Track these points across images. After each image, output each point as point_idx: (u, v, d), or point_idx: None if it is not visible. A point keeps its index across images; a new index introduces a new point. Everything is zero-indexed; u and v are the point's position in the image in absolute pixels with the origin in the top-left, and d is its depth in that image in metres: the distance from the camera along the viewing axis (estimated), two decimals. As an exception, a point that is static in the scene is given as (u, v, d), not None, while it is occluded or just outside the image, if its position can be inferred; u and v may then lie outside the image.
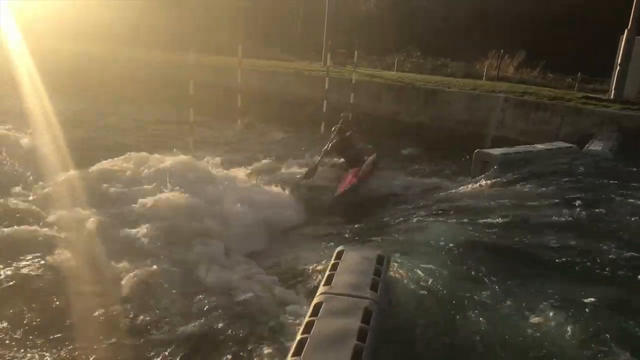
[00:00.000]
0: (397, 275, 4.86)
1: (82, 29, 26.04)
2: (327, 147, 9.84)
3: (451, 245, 5.61)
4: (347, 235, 7.09)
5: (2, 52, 17.38)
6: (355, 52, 15.79)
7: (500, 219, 6.35)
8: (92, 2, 27.92)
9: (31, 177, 8.34)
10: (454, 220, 6.53)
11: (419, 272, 4.96)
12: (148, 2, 28.07)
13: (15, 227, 6.25)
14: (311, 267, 6.07)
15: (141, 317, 4.80)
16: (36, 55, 16.85)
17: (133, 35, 25.35)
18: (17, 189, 7.79)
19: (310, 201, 8.46)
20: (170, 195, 7.14)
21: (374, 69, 21.64)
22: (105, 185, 7.73)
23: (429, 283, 4.79)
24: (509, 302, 4.56)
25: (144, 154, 9.00)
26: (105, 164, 8.56)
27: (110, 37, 25.15)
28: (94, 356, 4.27)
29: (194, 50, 12.49)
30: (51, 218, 6.63)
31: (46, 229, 6.33)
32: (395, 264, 5.02)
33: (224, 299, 5.13)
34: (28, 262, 5.60)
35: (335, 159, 10.10)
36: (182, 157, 8.56)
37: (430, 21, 27.82)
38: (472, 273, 5.04)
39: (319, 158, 9.76)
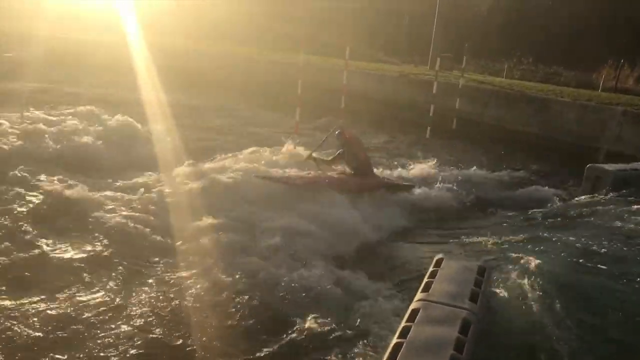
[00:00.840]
0: (497, 288, 4.78)
1: (197, 27, 27.36)
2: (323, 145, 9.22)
3: (555, 261, 5.41)
4: (445, 242, 7.01)
5: (124, 46, 18.59)
6: (464, 57, 15.51)
7: (608, 241, 6.01)
8: (208, 2, 29.31)
9: (149, 169, 8.92)
10: (560, 236, 6.27)
11: (520, 286, 4.84)
12: (261, 2, 29.09)
13: (130, 223, 6.63)
14: (407, 272, 6.08)
15: (246, 313, 5.00)
16: (153, 51, 17.94)
17: (245, 35, 26.34)
18: (134, 179, 8.38)
19: (409, 205, 8.41)
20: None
21: (481, 74, 21.09)
22: (213, 183, 8.06)
23: (530, 298, 4.66)
24: (613, 322, 4.36)
25: (253, 150, 9.41)
26: (217, 161, 9.01)
27: (224, 36, 26.29)
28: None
29: (304, 51, 12.79)
30: (165, 216, 7.06)
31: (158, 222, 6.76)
32: (495, 276, 4.93)
33: (318, 297, 5.25)
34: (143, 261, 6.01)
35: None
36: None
37: (543, 27, 26.65)
38: (576, 294, 4.84)
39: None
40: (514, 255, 5.53)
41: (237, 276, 5.53)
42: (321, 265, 5.84)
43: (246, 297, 5.18)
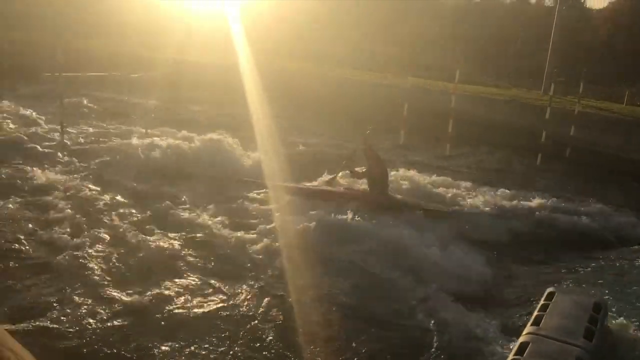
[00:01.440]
0: (615, 327, 4.45)
1: (301, 50, 27.99)
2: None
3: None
4: (556, 274, 6.65)
5: (236, 68, 19.38)
6: (581, 82, 14.77)
7: None
8: (312, 25, 29.97)
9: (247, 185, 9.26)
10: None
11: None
12: (367, 26, 29.41)
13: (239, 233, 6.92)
14: (514, 303, 5.83)
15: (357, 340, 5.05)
16: (261, 72, 18.57)
17: (348, 57, 26.69)
18: (243, 194, 8.70)
19: (516, 232, 8.08)
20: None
21: (598, 100, 19.97)
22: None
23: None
24: None
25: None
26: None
27: (330, 59, 26.76)
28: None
29: (410, 74, 12.74)
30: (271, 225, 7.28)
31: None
32: (614, 314, 4.60)
33: (421, 324, 5.17)
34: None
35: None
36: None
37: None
38: None
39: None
40: (634, 292, 5.14)
41: (349, 299, 5.62)
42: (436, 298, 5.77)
43: (358, 322, 5.22)
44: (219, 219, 7.50)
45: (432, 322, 5.23)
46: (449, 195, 9.47)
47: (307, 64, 24.29)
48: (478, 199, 9.34)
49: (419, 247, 6.77)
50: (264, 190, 8.98)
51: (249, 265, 6.28)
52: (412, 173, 10.03)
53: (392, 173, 9.64)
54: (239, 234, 6.97)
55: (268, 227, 7.27)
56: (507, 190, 10.01)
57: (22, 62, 18.47)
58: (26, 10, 27.20)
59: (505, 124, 16.14)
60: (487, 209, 8.89)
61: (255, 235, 6.98)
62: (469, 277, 6.35)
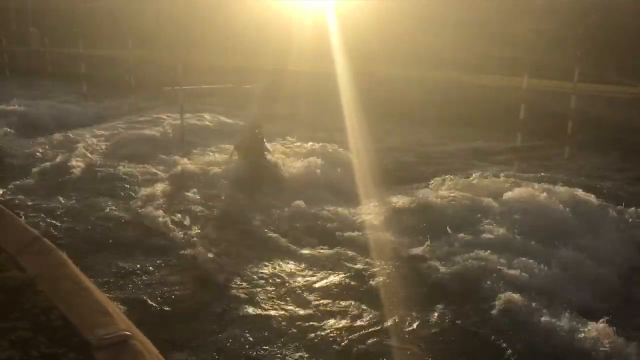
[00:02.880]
0: None
1: (398, 52, 27.53)
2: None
3: None
4: None
5: (333, 75, 19.51)
6: None
7: None
8: (412, 26, 29.43)
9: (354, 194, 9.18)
10: None
11: None
12: (477, 25, 28.48)
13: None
14: None
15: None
16: (363, 77, 18.52)
17: (461, 59, 25.96)
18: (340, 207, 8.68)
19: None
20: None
21: None
22: (434, 211, 8.01)
23: None
24: None
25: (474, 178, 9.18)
26: (433, 188, 8.96)
27: (438, 62, 26.19)
28: None
29: (527, 74, 12.18)
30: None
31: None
32: None
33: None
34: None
35: None
36: (523, 189, 8.40)
37: None
38: None
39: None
40: None
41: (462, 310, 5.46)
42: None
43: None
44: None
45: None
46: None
47: (412, 68, 23.94)
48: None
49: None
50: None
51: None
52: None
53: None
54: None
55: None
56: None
57: (146, 77, 19.79)
58: (149, 29, 29.21)
59: (630, 123, 14.95)
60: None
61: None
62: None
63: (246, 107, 17.56)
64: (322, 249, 7.05)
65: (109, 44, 28.30)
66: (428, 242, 6.96)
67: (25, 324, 3.27)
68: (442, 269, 6.29)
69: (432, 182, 9.53)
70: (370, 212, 8.14)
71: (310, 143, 12.00)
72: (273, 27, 26.86)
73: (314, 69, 21.47)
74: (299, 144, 12.14)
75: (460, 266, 6.28)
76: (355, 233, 7.45)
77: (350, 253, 6.83)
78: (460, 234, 7.12)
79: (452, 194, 8.48)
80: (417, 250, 6.81)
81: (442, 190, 8.94)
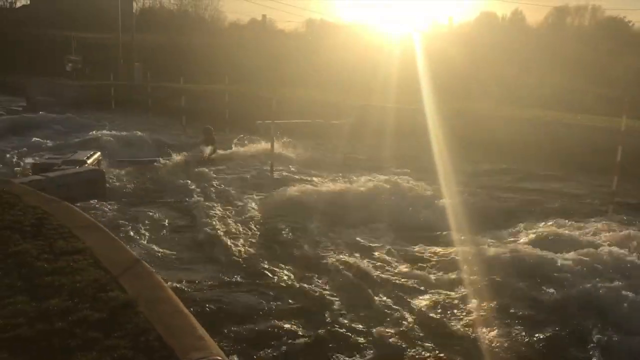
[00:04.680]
0: None
1: (496, 91, 26.94)
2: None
3: None
4: None
5: (422, 112, 19.40)
6: None
7: None
8: (512, 63, 28.83)
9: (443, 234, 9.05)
10: None
11: None
12: (574, 64, 27.58)
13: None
14: None
15: None
16: (453, 117, 18.30)
17: (552, 98, 25.13)
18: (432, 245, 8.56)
19: None
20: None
21: None
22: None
23: None
24: None
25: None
26: (522, 235, 8.67)
27: (530, 99, 25.45)
28: None
29: (625, 114, 11.63)
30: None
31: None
32: None
33: None
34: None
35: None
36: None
37: None
38: None
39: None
40: None
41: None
42: None
43: None
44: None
45: None
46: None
47: (504, 106, 23.42)
48: None
49: None
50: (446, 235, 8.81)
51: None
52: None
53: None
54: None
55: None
56: None
57: (241, 111, 20.64)
58: (246, 66, 30.52)
59: None
60: None
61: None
62: None
63: (333, 141, 17.89)
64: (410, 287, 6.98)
65: (207, 79, 29.85)
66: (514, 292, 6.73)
67: (126, 342, 3.49)
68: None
69: (519, 226, 9.23)
70: (458, 256, 7.93)
71: (396, 178, 12.00)
72: (361, 62, 27.33)
73: (402, 104, 21.51)
74: (385, 178, 12.16)
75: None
76: (443, 275, 7.33)
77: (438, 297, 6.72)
78: (551, 289, 6.78)
79: (541, 242, 8.15)
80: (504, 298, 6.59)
81: (530, 236, 8.62)
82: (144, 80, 29.71)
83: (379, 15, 66.64)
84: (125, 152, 15.88)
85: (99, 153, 13.16)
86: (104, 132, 18.12)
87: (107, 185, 11.33)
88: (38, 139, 17.59)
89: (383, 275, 7.24)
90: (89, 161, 12.03)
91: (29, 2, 64.94)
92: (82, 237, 5.35)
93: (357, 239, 8.71)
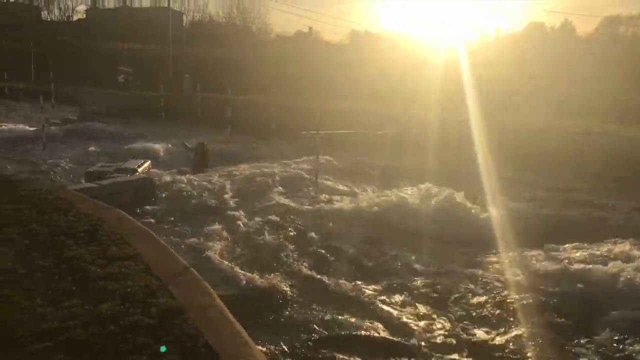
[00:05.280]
0: None
1: (545, 101, 26.27)
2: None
3: None
4: None
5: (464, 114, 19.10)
6: None
7: None
8: (561, 75, 28.10)
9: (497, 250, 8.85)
10: None
11: None
12: (626, 76, 26.72)
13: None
14: None
15: None
16: (492, 123, 17.92)
17: (605, 110, 24.39)
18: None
19: None
20: None
21: None
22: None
23: None
24: None
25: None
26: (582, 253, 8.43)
27: (582, 112, 24.76)
28: None
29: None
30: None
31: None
32: None
33: None
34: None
35: None
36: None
37: None
38: None
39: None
40: None
41: None
42: None
43: None
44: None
45: None
46: None
47: (554, 118, 22.86)
48: None
49: None
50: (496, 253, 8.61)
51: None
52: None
53: None
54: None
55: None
56: None
57: (286, 121, 20.85)
58: (292, 77, 30.83)
59: None
60: None
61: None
62: None
63: (377, 151, 17.81)
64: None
65: (254, 90, 30.30)
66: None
67: (174, 348, 3.56)
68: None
69: (575, 243, 8.94)
70: (506, 274, 7.74)
71: (441, 190, 11.84)
72: (405, 73, 27.22)
73: (447, 115, 21.26)
74: (429, 189, 12.02)
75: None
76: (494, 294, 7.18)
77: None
78: (614, 312, 6.50)
79: (601, 260, 7.90)
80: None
81: (587, 254, 8.34)
82: (193, 91, 30.37)
83: (424, 26, 66.24)
84: (173, 162, 16.25)
85: (149, 162, 13.52)
86: (153, 141, 18.58)
87: (157, 192, 11.62)
88: (91, 148, 18.21)
89: (426, 300, 7.06)
90: (139, 169, 12.37)
91: (84, 16, 67.50)
92: (133, 244, 5.50)
93: (399, 255, 8.62)
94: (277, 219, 10.17)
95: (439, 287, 7.38)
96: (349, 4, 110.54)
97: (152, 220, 9.78)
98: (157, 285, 4.53)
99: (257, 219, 10.12)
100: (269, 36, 61.59)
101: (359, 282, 7.35)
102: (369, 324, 6.18)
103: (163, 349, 3.51)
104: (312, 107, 19.78)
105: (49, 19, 66.40)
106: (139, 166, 12.62)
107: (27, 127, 23.08)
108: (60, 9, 67.72)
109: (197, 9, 69.21)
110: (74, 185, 10.68)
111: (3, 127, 23.27)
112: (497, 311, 6.68)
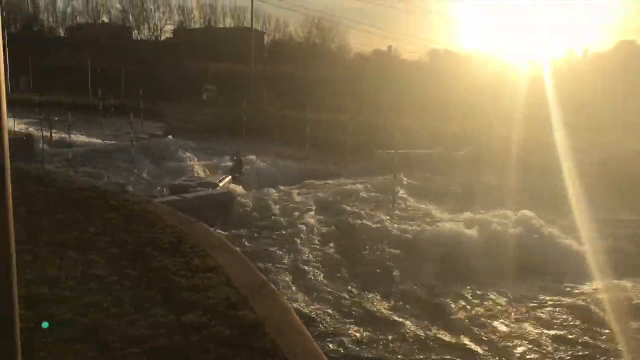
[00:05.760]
0: None
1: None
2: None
3: None
4: None
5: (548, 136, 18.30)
6: None
7: None
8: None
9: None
10: None
11: None
12: None
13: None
14: None
15: None
16: (577, 148, 17.03)
17: None
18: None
19: None
20: None
21: None
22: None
23: None
24: None
25: None
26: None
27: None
28: None
29: None
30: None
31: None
32: None
33: None
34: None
35: None
36: None
37: None
38: None
39: None
40: None
41: None
42: None
43: None
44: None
45: None
46: None
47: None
48: None
49: None
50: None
51: None
52: None
53: None
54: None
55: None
56: None
57: (362, 140, 20.86)
58: (371, 95, 30.92)
59: None
60: None
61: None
62: None
63: (456, 172, 17.40)
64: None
65: (332, 108, 30.59)
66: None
67: (254, 361, 3.62)
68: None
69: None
70: (597, 310, 7.33)
71: (524, 215, 11.42)
72: (485, 92, 26.60)
73: (529, 136, 20.52)
74: (511, 214, 11.63)
75: None
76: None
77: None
78: None
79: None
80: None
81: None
82: (272, 109, 31.03)
83: (506, 45, 64.57)
84: (255, 177, 16.65)
85: (230, 177, 13.92)
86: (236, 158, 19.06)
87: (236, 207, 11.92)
88: (175, 162, 18.99)
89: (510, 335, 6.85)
90: (221, 184, 12.75)
91: (172, 35, 70.91)
92: (215, 257, 5.65)
93: (477, 285, 8.38)
94: (354, 242, 10.09)
95: (524, 324, 7.11)
96: (428, 22, 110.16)
97: (233, 234, 10.02)
98: (237, 298, 4.62)
99: (330, 240, 10.11)
100: (348, 55, 62.27)
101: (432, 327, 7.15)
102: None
103: None
104: (389, 125, 19.68)
105: (139, 39, 70.34)
106: (220, 181, 13.02)
107: (117, 142, 24.34)
108: (150, 29, 71.68)
109: (278, 28, 71.29)
110: (160, 198, 11.15)
111: (97, 140, 24.73)
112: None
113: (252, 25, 44.88)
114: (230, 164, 17.09)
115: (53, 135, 21.62)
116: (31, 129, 21.71)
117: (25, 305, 3.97)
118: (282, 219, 11.68)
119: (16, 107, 24.87)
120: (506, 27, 75.53)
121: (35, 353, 3.56)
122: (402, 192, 14.31)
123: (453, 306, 7.70)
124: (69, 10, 70.50)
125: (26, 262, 5.14)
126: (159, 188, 14.45)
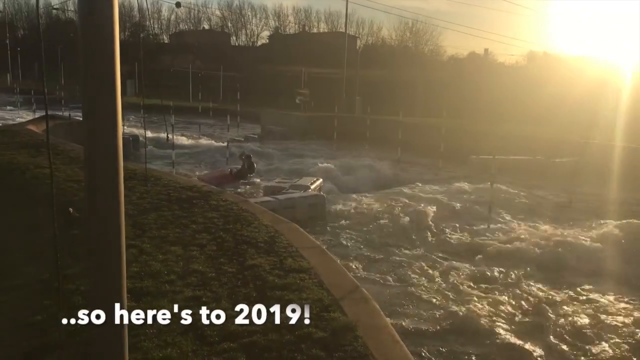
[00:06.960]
0: None
1: None
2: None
3: None
4: None
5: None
6: None
7: None
8: None
9: None
10: None
11: None
12: None
13: None
14: None
15: None
16: None
17: None
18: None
19: None
20: None
21: None
22: None
23: None
24: None
25: None
26: None
27: None
28: None
29: None
30: None
31: None
32: None
33: None
34: None
35: None
36: None
37: None
38: None
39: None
40: None
41: None
42: None
43: None
44: None
45: None
46: None
47: None
48: None
49: None
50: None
51: None
52: None
53: None
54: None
55: None
56: None
57: (455, 145, 20.37)
58: (462, 98, 30.23)
59: None
60: None
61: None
62: None
63: (555, 181, 16.54)
64: None
65: (425, 112, 30.22)
66: None
67: (345, 365, 3.65)
68: None
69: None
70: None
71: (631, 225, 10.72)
72: (586, 96, 25.18)
73: (634, 143, 19.22)
74: (616, 224, 10.94)
75: None
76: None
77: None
78: None
79: None
80: None
81: None
82: (364, 112, 31.02)
83: (609, 48, 60.47)
84: (345, 181, 16.73)
85: (321, 180, 14.08)
86: (327, 162, 19.21)
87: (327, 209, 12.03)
88: (268, 163, 19.55)
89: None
90: (312, 187, 12.94)
91: (267, 41, 72.88)
92: (307, 257, 5.74)
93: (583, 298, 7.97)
94: (450, 256, 9.78)
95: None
96: (526, 23, 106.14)
97: (323, 236, 10.13)
98: (329, 299, 4.67)
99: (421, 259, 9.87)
100: (441, 58, 61.24)
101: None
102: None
103: None
104: (483, 130, 19.15)
105: (237, 44, 72.89)
106: (312, 183, 13.21)
107: (214, 143, 25.33)
108: (246, 35, 74.10)
109: (371, 32, 71.47)
110: (255, 198, 11.47)
111: (196, 142, 25.89)
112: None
113: (345, 29, 45.12)
114: (239, 166, 16.80)
115: (158, 135, 22.81)
116: (135, 131, 22.99)
117: (132, 297, 4.23)
118: (369, 225, 11.52)
119: (123, 109, 26.46)
120: (610, 28, 71.35)
121: (140, 343, 3.79)
122: (498, 201, 13.42)
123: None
124: (173, 17, 74.21)
125: (133, 255, 5.47)
126: (252, 190, 14.86)
